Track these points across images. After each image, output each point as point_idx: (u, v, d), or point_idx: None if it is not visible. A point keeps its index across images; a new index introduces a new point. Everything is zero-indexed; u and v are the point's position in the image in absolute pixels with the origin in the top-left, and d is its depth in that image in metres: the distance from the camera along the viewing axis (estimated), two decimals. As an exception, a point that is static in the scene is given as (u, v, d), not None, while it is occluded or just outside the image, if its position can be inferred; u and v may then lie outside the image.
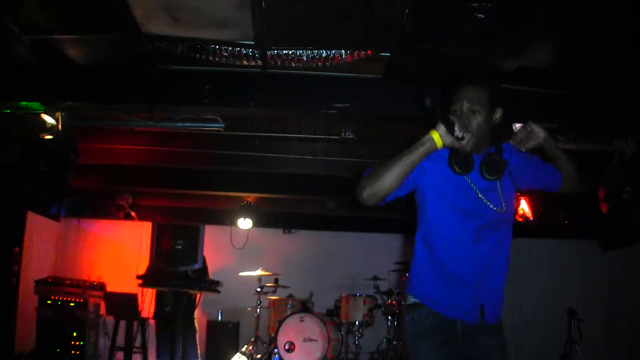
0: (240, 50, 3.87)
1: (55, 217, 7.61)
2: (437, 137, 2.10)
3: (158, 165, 5.97)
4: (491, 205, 2.26)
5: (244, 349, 6.56)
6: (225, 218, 7.72)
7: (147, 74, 4.17)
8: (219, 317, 7.52)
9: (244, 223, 7.50)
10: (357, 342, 6.37)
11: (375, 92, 4.18)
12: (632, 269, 6.98)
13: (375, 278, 6.74)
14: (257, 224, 7.65)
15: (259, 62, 3.95)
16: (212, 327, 7.33)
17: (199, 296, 6.38)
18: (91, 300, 6.55)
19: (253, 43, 3.76)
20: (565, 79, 4.04)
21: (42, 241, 7.21)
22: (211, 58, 3.90)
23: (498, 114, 2.29)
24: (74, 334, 6.28)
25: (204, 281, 5.95)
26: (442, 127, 2.10)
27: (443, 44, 3.63)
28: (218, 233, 7.73)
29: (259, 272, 6.70)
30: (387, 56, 3.89)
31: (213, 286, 6.02)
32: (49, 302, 6.27)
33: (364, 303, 6.40)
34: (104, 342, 6.74)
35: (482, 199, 2.26)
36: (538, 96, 4.22)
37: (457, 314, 2.22)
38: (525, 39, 3.53)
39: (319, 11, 3.37)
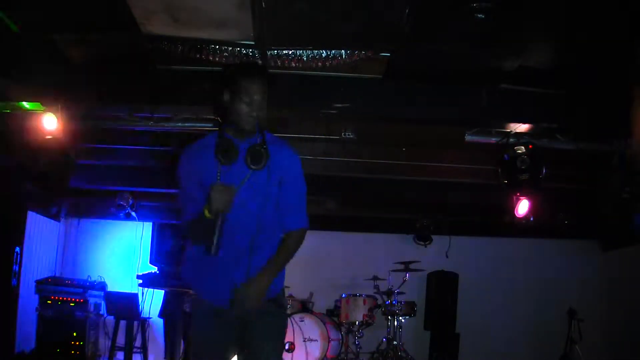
0: (240, 50, 3.87)
1: (55, 217, 7.60)
2: None
3: (159, 166, 5.96)
4: None
5: (244, 349, 6.54)
6: (225, 218, 7.69)
7: (147, 74, 4.17)
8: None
9: (244, 223, 7.47)
10: (357, 342, 6.35)
11: (375, 92, 4.18)
12: (632, 269, 6.97)
13: (375, 278, 6.72)
14: (257, 224, 7.61)
15: (259, 62, 3.95)
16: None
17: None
18: (91, 300, 6.55)
19: (253, 43, 3.77)
20: (565, 79, 4.04)
21: (42, 241, 7.20)
22: (211, 58, 3.90)
23: (225, 95, 2.25)
24: (74, 334, 6.26)
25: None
26: None
27: (443, 44, 3.64)
28: (218, 233, 7.70)
29: (259, 272, 6.68)
30: (387, 56, 3.89)
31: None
32: (49, 302, 6.25)
33: (364, 303, 6.38)
34: (104, 342, 6.72)
35: None
36: (538, 96, 4.22)
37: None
38: (525, 39, 3.54)
39: (319, 11, 3.37)
